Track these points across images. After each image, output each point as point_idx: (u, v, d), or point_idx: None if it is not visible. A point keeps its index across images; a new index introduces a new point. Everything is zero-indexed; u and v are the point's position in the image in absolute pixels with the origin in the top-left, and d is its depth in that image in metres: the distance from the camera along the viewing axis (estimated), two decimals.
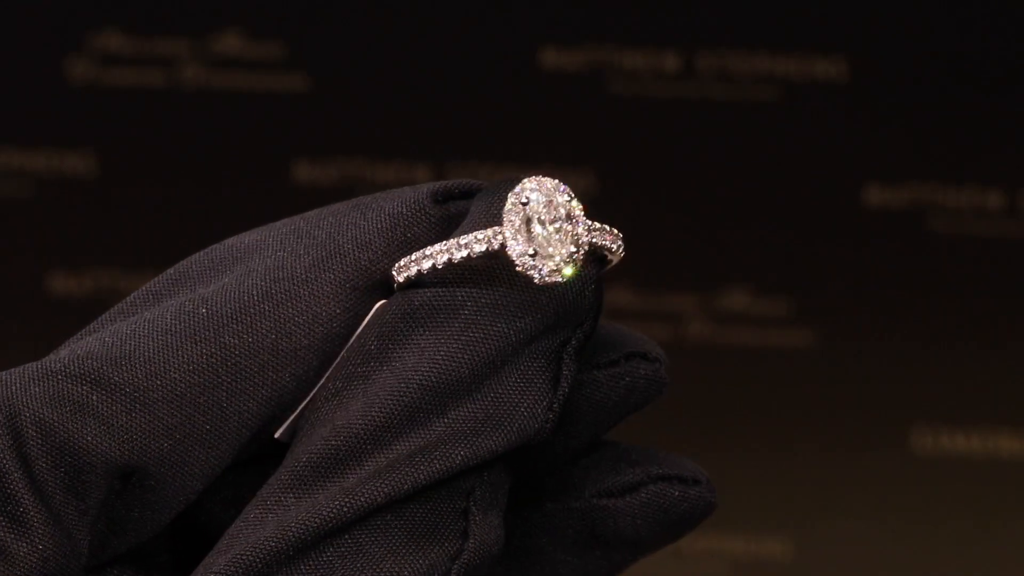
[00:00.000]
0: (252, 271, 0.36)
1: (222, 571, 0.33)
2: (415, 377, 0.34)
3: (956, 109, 1.08)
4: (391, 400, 0.34)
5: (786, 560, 1.09)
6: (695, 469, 0.38)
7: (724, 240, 1.09)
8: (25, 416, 0.34)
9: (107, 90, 1.11)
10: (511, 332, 0.34)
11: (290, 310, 0.35)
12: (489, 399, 0.34)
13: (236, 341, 0.35)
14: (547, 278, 0.34)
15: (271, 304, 0.35)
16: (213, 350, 0.35)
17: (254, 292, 0.35)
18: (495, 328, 0.34)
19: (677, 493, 0.38)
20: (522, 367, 0.34)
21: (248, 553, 0.33)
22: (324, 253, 0.36)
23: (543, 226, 0.34)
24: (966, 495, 1.09)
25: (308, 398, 0.36)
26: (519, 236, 0.34)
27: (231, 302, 0.35)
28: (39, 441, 0.34)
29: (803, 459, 1.09)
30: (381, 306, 0.36)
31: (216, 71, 1.11)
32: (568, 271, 0.34)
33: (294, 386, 0.35)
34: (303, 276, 0.36)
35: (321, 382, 0.36)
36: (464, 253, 0.35)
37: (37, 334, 1.11)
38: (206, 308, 0.35)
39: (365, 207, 0.37)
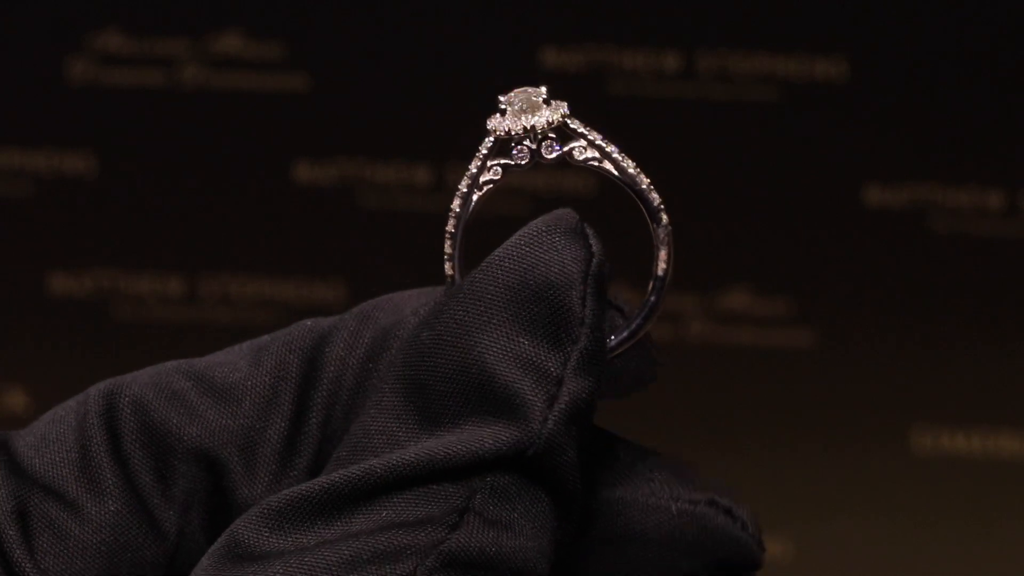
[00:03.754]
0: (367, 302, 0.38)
1: (216, 544, 0.34)
2: (416, 388, 0.35)
3: (956, 109, 1.08)
4: (393, 410, 0.36)
5: (786, 560, 1.09)
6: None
7: (724, 240, 1.10)
8: (125, 395, 0.36)
9: (107, 90, 1.11)
10: (495, 340, 0.35)
11: (370, 330, 0.37)
12: (483, 413, 0.35)
13: (318, 354, 0.37)
14: (524, 124, 0.36)
15: (357, 322, 0.37)
16: (301, 360, 0.37)
17: (353, 311, 0.37)
18: (477, 334, 0.35)
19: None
20: (511, 379, 0.35)
21: (247, 514, 0.35)
22: (418, 293, 0.38)
23: (523, 100, 0.37)
24: (966, 495, 1.09)
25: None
26: (497, 118, 0.37)
27: (332, 320, 0.37)
28: (131, 418, 0.36)
29: (803, 459, 1.09)
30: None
31: (216, 71, 1.11)
32: (540, 123, 0.36)
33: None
34: (394, 307, 0.37)
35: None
36: (466, 181, 0.37)
37: (37, 334, 1.11)
38: (312, 322, 0.37)
39: None
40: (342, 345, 0.37)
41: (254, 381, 0.36)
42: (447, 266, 0.37)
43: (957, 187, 1.09)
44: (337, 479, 0.34)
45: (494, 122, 0.37)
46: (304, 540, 0.34)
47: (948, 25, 1.08)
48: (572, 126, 0.37)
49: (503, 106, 0.37)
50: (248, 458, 0.36)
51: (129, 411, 0.36)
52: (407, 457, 0.34)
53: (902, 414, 1.09)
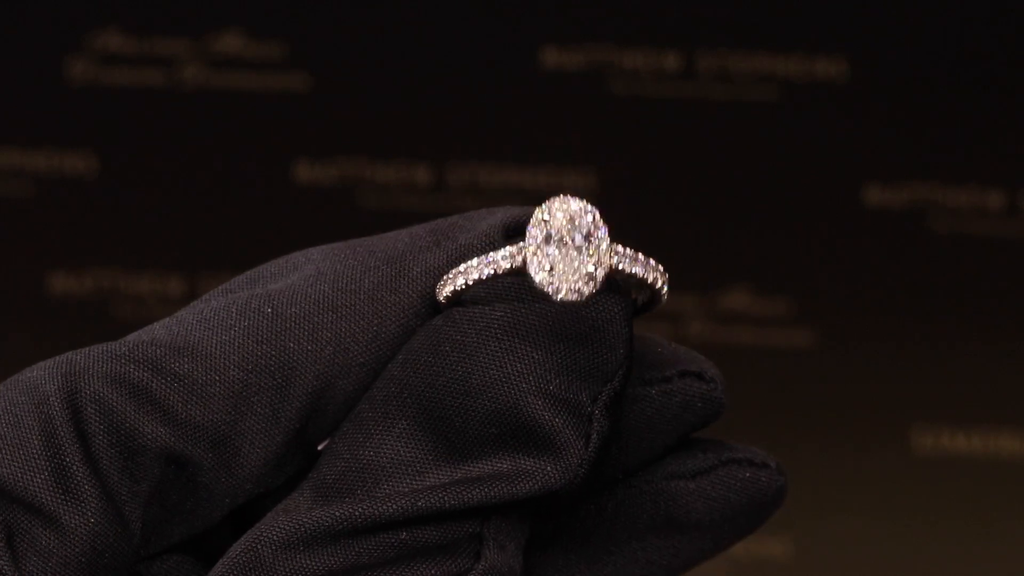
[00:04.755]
0: (322, 275, 0.36)
1: (232, 558, 0.34)
2: (438, 420, 0.35)
3: (956, 109, 1.08)
4: (412, 441, 0.35)
5: (786, 560, 1.09)
6: (765, 455, 0.39)
7: (724, 240, 1.10)
8: (85, 393, 0.35)
9: (107, 90, 1.11)
10: (535, 382, 0.35)
11: (352, 326, 0.36)
12: (515, 450, 0.35)
13: (296, 347, 0.35)
14: (565, 296, 0.35)
15: (334, 316, 0.36)
16: (273, 352, 0.35)
17: (320, 300, 0.36)
18: (518, 379, 0.35)
19: (748, 474, 0.38)
20: (552, 421, 0.34)
21: (253, 542, 0.34)
22: (393, 272, 0.36)
23: (563, 244, 0.35)
24: (966, 495, 1.09)
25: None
26: (539, 253, 0.35)
27: (296, 305, 0.36)
28: (97, 419, 0.35)
29: (803, 459, 1.09)
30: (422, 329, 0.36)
31: (216, 71, 1.11)
32: (586, 290, 0.35)
33: (342, 400, 0.36)
34: (369, 292, 0.36)
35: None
36: (491, 270, 0.35)
37: (37, 334, 1.11)
38: (271, 308, 0.36)
39: (441, 234, 0.37)
40: (322, 342, 0.36)
41: (222, 375, 0.35)
42: (445, 291, 0.36)
43: (957, 187, 1.09)
44: (373, 509, 0.34)
45: (535, 266, 0.35)
46: (332, 564, 0.34)
47: (948, 25, 1.08)
48: (618, 267, 0.36)
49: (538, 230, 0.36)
50: (220, 453, 0.35)
51: (94, 411, 0.35)
52: (447, 496, 0.34)
53: (902, 414, 1.09)
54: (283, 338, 0.36)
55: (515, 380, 0.35)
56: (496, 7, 1.09)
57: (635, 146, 1.10)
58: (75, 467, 0.34)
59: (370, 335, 0.36)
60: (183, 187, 1.11)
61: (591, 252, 0.35)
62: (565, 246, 0.35)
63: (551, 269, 0.35)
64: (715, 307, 1.10)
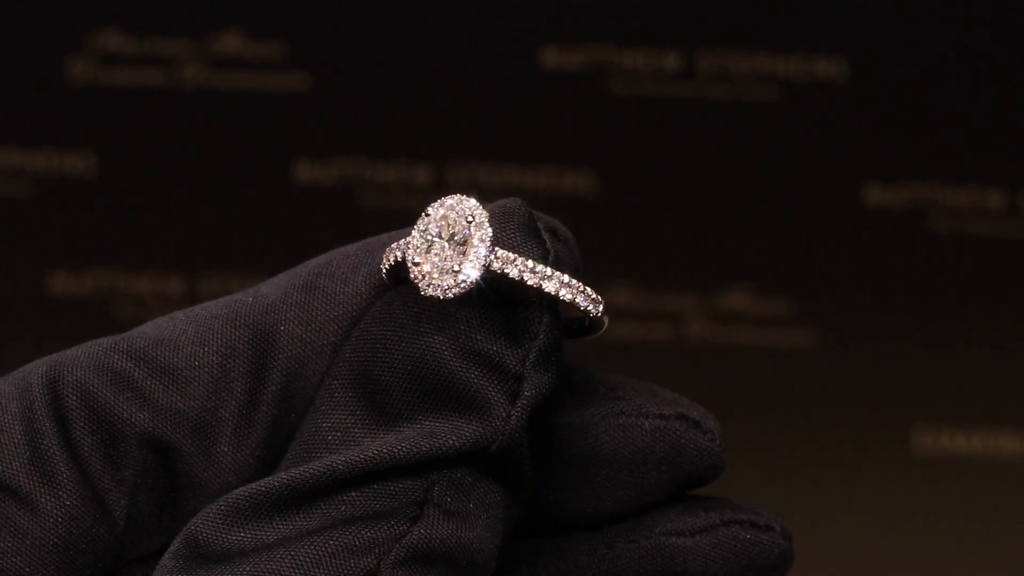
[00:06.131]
0: (307, 264, 0.37)
1: (173, 546, 0.34)
2: (366, 380, 0.35)
3: (956, 109, 1.08)
4: (353, 414, 0.35)
5: None
6: (770, 517, 0.38)
7: (724, 240, 1.10)
8: (67, 380, 0.36)
9: (107, 90, 1.11)
10: (452, 338, 0.35)
11: (323, 304, 0.36)
12: (444, 411, 0.35)
13: (269, 328, 0.36)
14: (431, 292, 0.35)
15: (307, 295, 0.36)
16: (248, 335, 0.36)
17: (296, 283, 0.37)
18: (433, 334, 0.35)
19: (749, 536, 0.38)
20: (469, 377, 0.35)
21: (191, 526, 0.34)
22: (367, 256, 0.37)
23: (435, 242, 0.35)
24: (966, 495, 1.09)
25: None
26: (419, 247, 0.35)
27: (276, 291, 0.37)
28: (77, 404, 0.35)
29: (803, 459, 1.09)
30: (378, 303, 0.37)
31: (216, 71, 1.11)
32: (454, 289, 0.35)
33: (316, 384, 0.36)
34: (343, 275, 0.37)
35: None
36: (395, 255, 0.36)
37: (37, 334, 1.11)
38: (253, 297, 0.37)
39: None
40: (296, 322, 0.36)
41: (201, 360, 0.36)
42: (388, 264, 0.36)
43: (957, 187, 1.09)
44: (297, 475, 0.34)
45: (410, 256, 0.35)
46: (265, 536, 0.34)
47: (948, 25, 1.08)
48: (503, 273, 0.36)
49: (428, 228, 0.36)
50: (201, 440, 0.35)
51: (75, 398, 0.35)
52: (368, 454, 0.34)
53: (902, 414, 1.09)
54: (258, 321, 0.36)
55: (429, 335, 0.35)
56: (496, 7, 1.10)
57: (635, 146, 1.10)
58: (52, 450, 0.35)
59: (340, 314, 0.36)
60: (183, 187, 1.11)
61: (465, 252, 0.35)
62: (438, 243, 0.35)
63: (418, 263, 0.35)
64: (715, 307, 1.10)
